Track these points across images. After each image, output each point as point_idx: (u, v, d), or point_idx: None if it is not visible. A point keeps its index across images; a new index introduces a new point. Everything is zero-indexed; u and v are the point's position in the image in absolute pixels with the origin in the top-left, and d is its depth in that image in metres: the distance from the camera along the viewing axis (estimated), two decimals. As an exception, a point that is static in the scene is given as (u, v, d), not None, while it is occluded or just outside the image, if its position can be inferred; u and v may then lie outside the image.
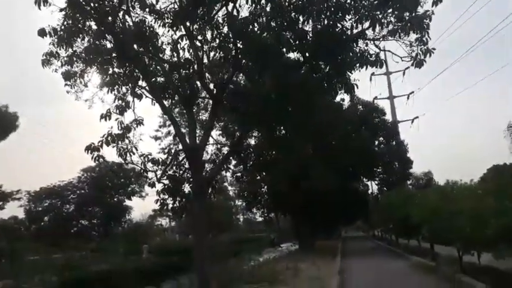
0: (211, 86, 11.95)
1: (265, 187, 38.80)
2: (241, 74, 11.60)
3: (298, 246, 41.66)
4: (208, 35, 11.83)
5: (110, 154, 11.13)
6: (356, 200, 39.49)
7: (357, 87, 9.71)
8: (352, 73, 9.91)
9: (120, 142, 11.06)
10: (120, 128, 11.07)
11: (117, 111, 11.08)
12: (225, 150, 27.91)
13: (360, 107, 37.21)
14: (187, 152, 11.12)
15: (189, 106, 11.80)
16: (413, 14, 9.12)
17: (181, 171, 11.88)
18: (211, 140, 32.77)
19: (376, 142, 38.14)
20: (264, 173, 39.01)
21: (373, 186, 45.82)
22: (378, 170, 38.02)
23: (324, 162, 32.54)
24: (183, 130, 13.31)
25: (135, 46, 11.27)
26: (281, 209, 39.99)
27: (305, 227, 39.46)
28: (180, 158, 12.27)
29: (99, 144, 10.63)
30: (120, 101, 11.13)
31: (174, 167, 11.83)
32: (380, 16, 9.26)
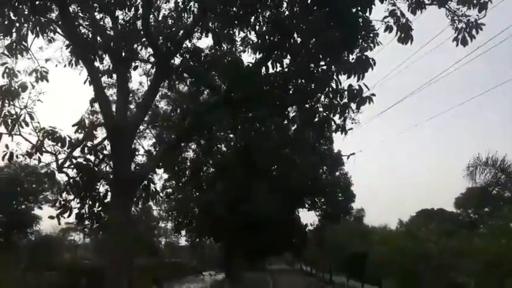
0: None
1: (198, 208, 34.80)
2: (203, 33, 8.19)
3: (226, 276, 37.97)
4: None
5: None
6: (292, 230, 37.05)
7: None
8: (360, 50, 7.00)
9: (8, 102, 7.04)
10: (7, 78, 7.10)
11: (5, 50, 7.03)
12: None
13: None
14: (112, 130, 7.33)
15: (123, 68, 8.15)
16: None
17: (97, 160, 7.88)
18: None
19: (321, 170, 36.15)
20: (198, 193, 35.22)
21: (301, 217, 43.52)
22: (321, 200, 35.91)
23: (266, 185, 29.85)
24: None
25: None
26: (214, 234, 36.05)
27: (237, 256, 35.97)
28: (99, 140, 8.30)
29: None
30: (9, 29, 6.83)
31: (87, 151, 7.78)
32: None
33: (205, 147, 32.06)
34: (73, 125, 7.21)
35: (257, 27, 6.80)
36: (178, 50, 7.89)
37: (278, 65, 7.11)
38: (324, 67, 6.57)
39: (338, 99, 6.59)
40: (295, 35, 6.37)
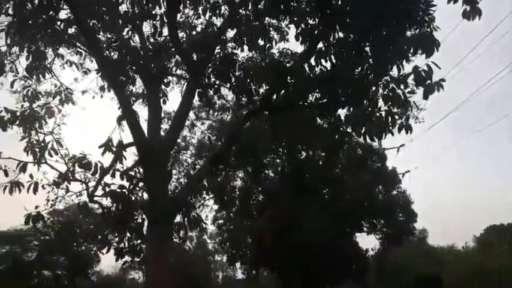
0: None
1: (250, 237, 33.74)
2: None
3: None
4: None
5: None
6: (350, 256, 34.80)
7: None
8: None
9: (34, 128, 6.57)
10: (29, 102, 6.64)
11: (26, 71, 6.59)
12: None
13: (359, 150, 33.47)
14: (143, 150, 6.59)
15: (154, 85, 7.54)
16: None
17: (132, 185, 7.13)
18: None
19: (376, 190, 34.09)
20: (249, 222, 34.28)
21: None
22: (381, 222, 33.58)
23: (318, 209, 28.37)
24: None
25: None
26: (266, 264, 34.63)
27: (294, 287, 34.09)
28: (131, 163, 7.62)
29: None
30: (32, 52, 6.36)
31: (120, 177, 7.09)
32: None
33: (252, 174, 31.43)
34: (99, 146, 6.59)
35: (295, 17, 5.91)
36: (210, 57, 7.17)
37: (323, 61, 6.18)
38: (379, 51, 5.50)
39: (402, 87, 5.43)
40: (340, 17, 5.40)
